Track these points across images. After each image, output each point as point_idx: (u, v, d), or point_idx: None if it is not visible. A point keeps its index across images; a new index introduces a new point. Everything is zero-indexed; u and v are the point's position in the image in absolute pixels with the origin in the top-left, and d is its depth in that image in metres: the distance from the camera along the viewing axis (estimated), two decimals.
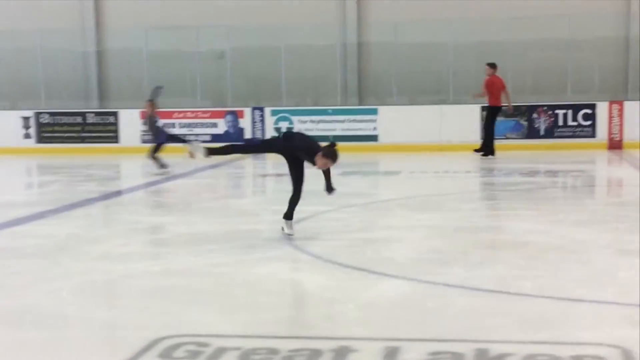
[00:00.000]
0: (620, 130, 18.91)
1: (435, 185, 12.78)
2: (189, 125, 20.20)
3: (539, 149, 18.53)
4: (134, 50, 21.88)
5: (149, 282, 5.80)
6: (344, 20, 21.49)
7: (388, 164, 16.76)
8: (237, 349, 4.11)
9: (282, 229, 7.33)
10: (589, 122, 19.08)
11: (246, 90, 21.82)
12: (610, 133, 18.96)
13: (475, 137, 18.83)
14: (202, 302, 5.24)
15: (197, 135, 20.06)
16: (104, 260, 6.62)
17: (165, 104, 21.02)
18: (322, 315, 4.94)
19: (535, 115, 19.23)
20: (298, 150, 7.13)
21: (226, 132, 19.98)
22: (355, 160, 16.45)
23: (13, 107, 21.65)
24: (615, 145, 18.83)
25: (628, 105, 18.90)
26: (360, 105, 20.76)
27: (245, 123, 20.08)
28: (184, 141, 14.78)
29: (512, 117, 19.00)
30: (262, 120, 19.87)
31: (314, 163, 7.01)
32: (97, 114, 20.90)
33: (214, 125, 20.15)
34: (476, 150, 17.14)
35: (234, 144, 7.32)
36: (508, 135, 19.23)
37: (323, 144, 7.09)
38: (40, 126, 20.83)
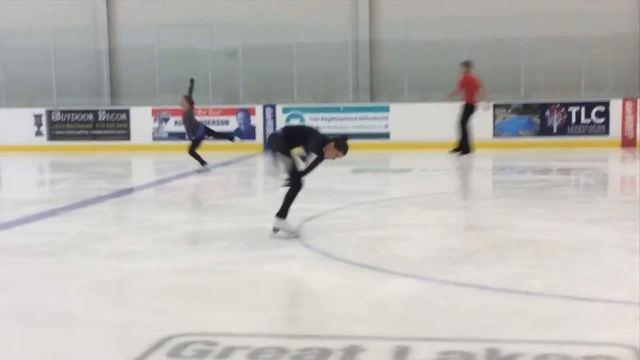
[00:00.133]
0: (634, 128, 18.82)
1: (447, 183, 12.73)
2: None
3: (552, 147, 18.47)
4: (145, 48, 21.91)
5: (158, 280, 5.78)
6: (356, 18, 21.46)
7: (399, 162, 16.72)
8: (246, 348, 4.08)
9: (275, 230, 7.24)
10: (602, 120, 18.99)
11: (258, 88, 21.82)
12: (623, 130, 18.86)
13: (488, 134, 18.79)
14: (211, 300, 5.21)
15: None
16: (113, 258, 6.60)
17: (177, 101, 21.08)
18: (332, 314, 4.90)
19: (548, 113, 19.15)
20: (302, 142, 7.09)
21: (237, 129, 19.97)
22: (367, 158, 16.44)
23: (25, 105, 21.68)
24: (628, 142, 18.73)
25: None
26: (371, 102, 20.73)
27: (257, 120, 20.08)
28: (223, 137, 14.76)
29: (524, 114, 18.94)
30: (274, 118, 19.86)
31: (320, 153, 6.97)
32: (109, 111, 20.95)
33: (226, 122, 20.16)
34: (453, 151, 16.89)
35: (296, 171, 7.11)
36: (520, 133, 19.17)
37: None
38: (52, 124, 20.89)
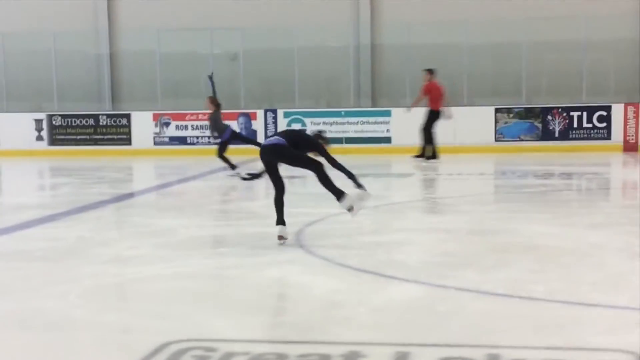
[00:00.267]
0: (636, 133, 18.79)
1: (449, 187, 12.71)
2: (201, 127, 20.20)
3: (554, 151, 18.44)
4: (146, 53, 21.91)
5: (158, 285, 5.75)
6: (357, 22, 21.46)
7: (401, 166, 16.69)
8: (246, 353, 4.06)
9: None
10: (604, 124, 18.97)
11: (259, 92, 21.83)
12: (625, 135, 18.83)
13: (490, 139, 18.79)
14: (211, 305, 5.19)
15: (209, 137, 20.05)
16: (113, 263, 6.59)
17: (178, 106, 21.12)
18: (332, 319, 4.87)
19: (550, 117, 19.13)
20: (308, 149, 7.12)
21: (239, 134, 19.91)
22: (368, 162, 16.41)
23: (26, 109, 21.66)
24: (630, 147, 18.70)
25: None
26: (373, 107, 20.72)
27: (258, 125, 20.06)
28: (249, 142, 14.61)
29: (526, 119, 18.95)
30: (275, 122, 19.85)
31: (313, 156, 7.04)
32: (110, 116, 20.94)
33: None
34: (417, 156, 16.86)
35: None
36: (522, 137, 19.15)
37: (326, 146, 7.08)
38: (52, 128, 20.88)
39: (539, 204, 10.30)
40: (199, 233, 8.08)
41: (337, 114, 19.85)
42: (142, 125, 20.54)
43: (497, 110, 19.22)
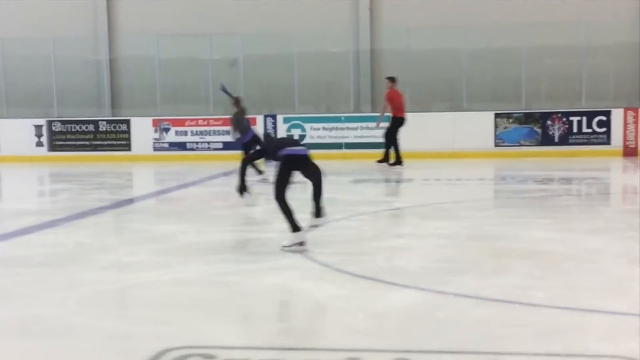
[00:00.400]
0: (636, 137, 18.80)
1: (448, 193, 12.69)
2: (201, 133, 20.21)
3: (553, 156, 18.45)
4: (146, 58, 21.92)
5: (157, 291, 5.74)
6: (356, 27, 21.47)
7: (400, 172, 16.67)
8: None
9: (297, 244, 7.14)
10: (603, 129, 18.97)
11: (259, 98, 21.80)
12: (625, 140, 18.84)
13: (489, 144, 18.80)
14: (210, 312, 5.17)
15: (209, 143, 20.08)
16: (113, 269, 6.57)
17: (178, 111, 21.12)
18: (332, 325, 4.86)
19: (549, 122, 19.13)
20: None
21: (238, 139, 19.90)
22: (368, 168, 16.42)
23: (26, 115, 21.65)
24: (630, 152, 18.70)
25: None
26: (372, 112, 20.69)
27: (258, 130, 20.00)
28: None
29: (526, 124, 18.95)
30: (275, 128, 19.84)
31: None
32: (109, 121, 20.95)
33: (227, 132, 20.12)
34: (379, 161, 16.91)
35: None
36: (522, 142, 19.15)
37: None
38: (52, 134, 20.88)
39: (538, 209, 10.29)
40: (198, 239, 8.06)
41: (337, 119, 19.85)
42: (142, 130, 20.55)
43: (496, 115, 19.23)
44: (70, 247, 7.75)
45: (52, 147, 20.92)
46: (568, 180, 14.23)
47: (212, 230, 8.72)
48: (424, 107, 20.54)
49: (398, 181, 14.63)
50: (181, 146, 20.38)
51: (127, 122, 20.79)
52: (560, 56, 20.71)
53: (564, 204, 11.10)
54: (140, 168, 19.11)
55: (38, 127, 20.91)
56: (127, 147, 20.70)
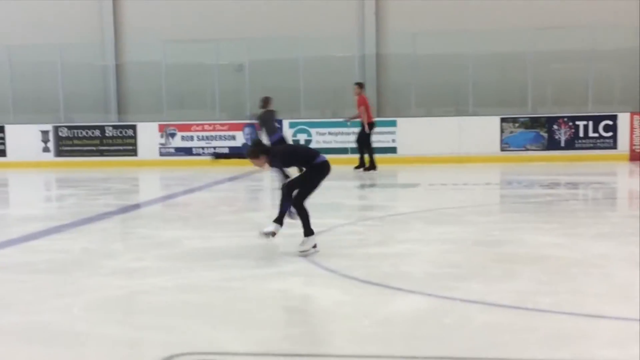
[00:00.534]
0: None
1: (454, 197, 12.67)
2: (207, 138, 20.22)
3: (560, 161, 18.40)
4: (152, 64, 21.95)
5: (162, 298, 5.73)
6: (362, 32, 21.47)
7: (406, 176, 16.67)
8: None
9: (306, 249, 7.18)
10: (610, 134, 18.92)
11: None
12: (631, 144, 18.79)
13: (495, 149, 18.78)
14: (215, 318, 5.16)
15: (215, 148, 20.08)
16: (118, 275, 6.56)
17: (184, 116, 21.14)
18: (337, 331, 4.85)
19: (555, 127, 19.10)
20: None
21: (244, 144, 19.95)
22: (374, 173, 16.40)
23: (33, 121, 21.69)
24: (636, 156, 18.65)
25: None
26: (378, 117, 20.66)
27: (264, 135, 20.01)
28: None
29: (532, 128, 18.92)
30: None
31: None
32: (116, 127, 20.97)
33: (232, 137, 20.16)
34: (356, 167, 16.96)
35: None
36: (528, 147, 19.12)
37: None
38: (59, 140, 20.91)
39: (545, 214, 10.27)
40: (204, 244, 8.06)
41: (343, 124, 19.79)
42: (148, 136, 20.57)
43: (502, 120, 19.20)
44: (76, 252, 7.75)
45: (59, 153, 20.95)
46: (574, 185, 14.20)
47: (218, 236, 8.72)
48: (429, 112, 20.55)
49: (402, 186, 14.61)
50: (187, 151, 20.39)
51: (134, 127, 20.82)
52: (566, 61, 20.68)
53: (570, 208, 11.07)
54: (147, 173, 19.12)
55: (45, 133, 20.95)
56: (134, 152, 20.72)
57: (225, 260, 7.02)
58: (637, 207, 11.73)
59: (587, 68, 20.09)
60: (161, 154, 20.51)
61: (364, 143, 16.91)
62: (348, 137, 19.46)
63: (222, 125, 20.37)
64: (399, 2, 21.31)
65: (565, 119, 19.11)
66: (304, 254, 7.01)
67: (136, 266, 6.95)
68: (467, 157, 18.76)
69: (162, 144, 20.52)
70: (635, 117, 18.82)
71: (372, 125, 17.01)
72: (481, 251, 7.41)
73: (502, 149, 19.22)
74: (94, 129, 20.96)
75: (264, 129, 14.85)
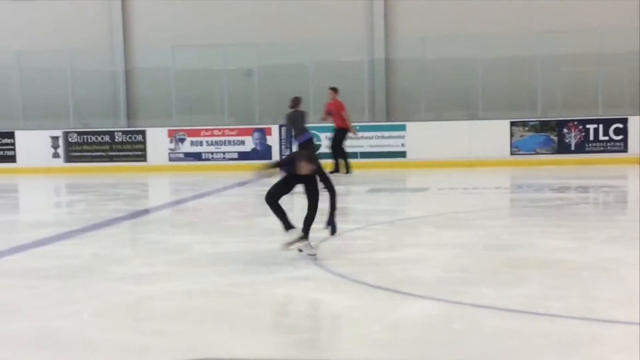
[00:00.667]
0: None
1: (464, 202, 12.64)
2: (216, 143, 20.23)
3: (570, 164, 18.34)
4: (161, 69, 22.00)
5: (171, 303, 5.72)
6: (371, 37, 21.47)
7: (416, 181, 16.65)
8: None
9: (300, 250, 7.21)
10: (620, 137, 18.86)
11: (274, 107, 21.78)
12: None
13: (505, 153, 18.73)
14: (225, 324, 5.15)
15: (224, 153, 20.10)
16: (127, 280, 6.56)
17: (193, 122, 21.16)
18: (347, 337, 4.83)
19: (565, 130, 19.04)
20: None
21: (254, 149, 19.97)
22: (383, 177, 16.41)
23: (42, 127, 21.75)
24: None
25: None
26: (388, 121, 20.68)
27: (273, 140, 20.06)
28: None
29: (542, 132, 18.87)
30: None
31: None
32: (125, 132, 21.01)
33: (242, 142, 20.17)
34: (331, 172, 16.90)
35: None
36: (538, 151, 19.07)
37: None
38: (69, 145, 20.96)
39: (555, 218, 10.23)
40: (213, 250, 8.05)
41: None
42: (158, 141, 20.60)
43: (512, 124, 19.16)
44: (85, 258, 7.74)
45: (69, 158, 20.99)
46: (585, 189, 14.15)
47: (227, 241, 8.71)
48: (439, 116, 20.52)
49: (415, 190, 14.58)
50: (196, 156, 20.41)
51: (143, 132, 20.85)
52: (576, 64, 20.62)
53: (580, 212, 11.02)
54: (156, 178, 19.14)
55: (54, 139, 21.00)
56: (143, 157, 20.75)
57: (235, 266, 7.01)
58: None
59: (597, 71, 20.04)
60: (170, 159, 20.53)
61: (338, 148, 16.89)
62: (357, 142, 19.42)
63: (231, 130, 20.38)
64: (407, 7, 21.31)
65: (575, 123, 19.06)
66: (289, 246, 7.11)
67: (146, 272, 6.95)
68: (477, 161, 18.72)
69: (171, 149, 20.55)
70: None
71: (344, 130, 17.02)
72: (491, 255, 7.38)
73: (512, 153, 19.18)
74: (104, 135, 21.00)
75: (292, 130, 14.79)
